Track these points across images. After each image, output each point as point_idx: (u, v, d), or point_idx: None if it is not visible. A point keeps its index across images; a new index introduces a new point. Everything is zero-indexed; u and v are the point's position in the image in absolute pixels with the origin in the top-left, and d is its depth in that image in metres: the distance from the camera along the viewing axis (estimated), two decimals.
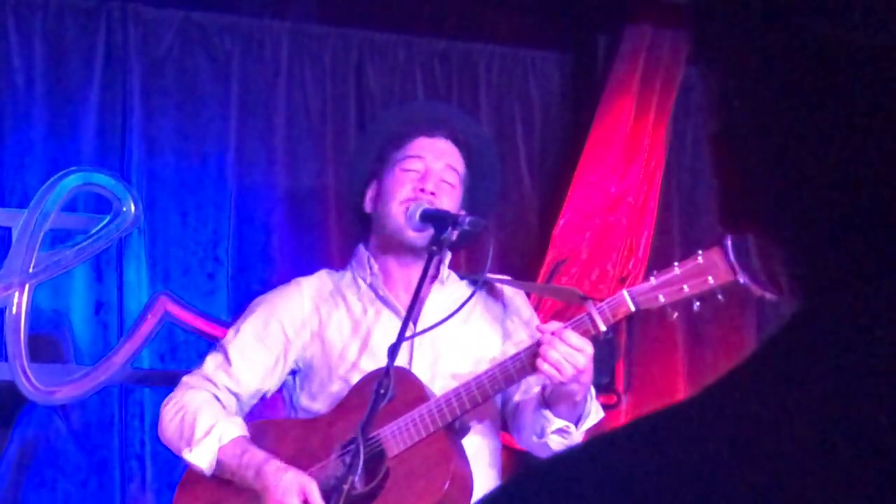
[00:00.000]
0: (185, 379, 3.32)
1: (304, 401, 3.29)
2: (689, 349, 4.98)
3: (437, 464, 3.14)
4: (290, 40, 4.76)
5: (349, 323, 3.26)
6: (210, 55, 4.67)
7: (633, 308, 3.13)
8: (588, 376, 3.10)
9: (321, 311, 3.27)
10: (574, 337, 3.06)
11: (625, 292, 3.16)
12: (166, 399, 3.30)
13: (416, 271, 3.25)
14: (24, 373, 4.17)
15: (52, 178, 4.26)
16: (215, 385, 3.22)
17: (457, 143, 3.30)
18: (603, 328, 3.12)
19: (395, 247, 3.27)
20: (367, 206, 3.34)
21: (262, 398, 3.36)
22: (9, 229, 4.25)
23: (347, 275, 3.37)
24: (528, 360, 3.10)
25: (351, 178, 3.44)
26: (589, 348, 3.07)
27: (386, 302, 3.26)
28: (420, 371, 3.19)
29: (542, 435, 3.22)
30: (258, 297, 3.43)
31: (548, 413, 3.18)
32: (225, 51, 4.68)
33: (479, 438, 3.26)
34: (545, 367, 3.04)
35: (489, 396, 3.15)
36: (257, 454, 3.13)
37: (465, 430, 3.22)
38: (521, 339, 3.33)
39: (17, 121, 4.43)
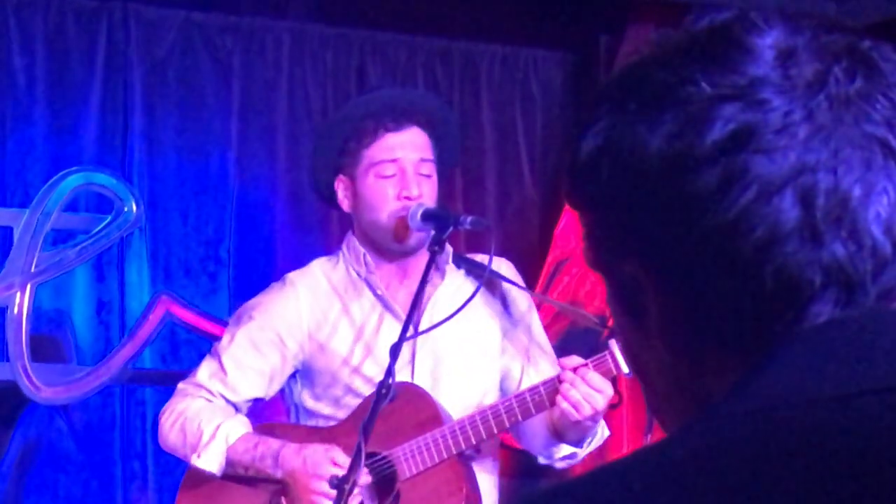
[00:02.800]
0: (180, 386, 3.26)
1: (308, 401, 3.26)
2: None
3: (450, 493, 3.15)
4: (292, 40, 4.76)
5: (348, 324, 3.23)
6: (211, 55, 4.67)
7: None
8: (602, 413, 3.11)
9: (319, 312, 3.22)
10: (597, 378, 3.06)
11: None
12: (164, 408, 3.25)
13: (411, 266, 3.26)
14: (26, 373, 4.17)
15: (53, 178, 4.26)
16: (210, 393, 3.19)
17: (423, 127, 3.25)
18: (626, 371, 3.11)
19: (386, 251, 3.25)
20: (343, 204, 3.26)
21: (260, 400, 3.33)
22: (10, 229, 4.26)
23: (341, 265, 3.29)
24: (548, 395, 3.10)
25: (315, 171, 3.30)
26: (609, 390, 3.08)
27: (384, 301, 3.24)
28: (422, 371, 3.19)
29: (549, 457, 3.28)
30: (252, 299, 3.34)
31: (560, 443, 3.22)
32: (226, 51, 4.68)
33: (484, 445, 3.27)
34: (564, 405, 3.05)
35: (505, 428, 3.14)
36: (272, 443, 3.12)
37: (474, 452, 3.23)
38: (519, 335, 3.33)
39: (19, 121, 4.43)
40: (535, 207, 5.07)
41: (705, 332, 0.94)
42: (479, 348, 3.27)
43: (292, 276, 3.30)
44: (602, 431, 3.25)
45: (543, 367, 3.35)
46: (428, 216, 3.17)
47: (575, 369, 3.09)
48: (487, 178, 5.01)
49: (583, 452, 3.25)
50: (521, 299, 3.38)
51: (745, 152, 0.90)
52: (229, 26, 4.70)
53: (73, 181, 4.26)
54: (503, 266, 3.37)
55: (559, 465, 3.30)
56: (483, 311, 3.28)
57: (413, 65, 4.91)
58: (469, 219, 3.18)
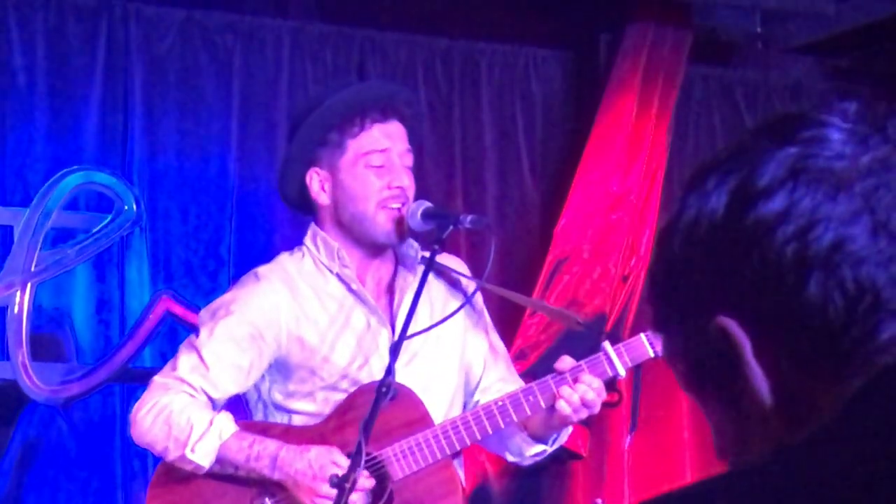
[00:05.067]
0: (157, 380, 3.19)
1: (279, 397, 3.23)
2: None
3: (446, 494, 3.16)
4: (292, 39, 4.76)
5: (325, 319, 3.21)
6: (211, 54, 4.67)
7: (652, 354, 3.14)
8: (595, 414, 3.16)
9: (295, 307, 3.20)
10: (596, 382, 3.11)
11: (643, 337, 3.15)
12: (139, 402, 3.18)
13: (380, 258, 3.26)
14: (26, 371, 4.17)
15: (53, 177, 4.27)
16: (192, 387, 3.15)
17: (401, 120, 3.25)
18: (623, 374, 3.14)
19: (367, 245, 3.24)
20: (318, 197, 3.22)
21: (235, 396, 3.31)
22: (10, 228, 4.26)
23: (307, 260, 3.26)
24: (544, 396, 3.12)
25: (287, 164, 3.27)
26: (605, 394, 3.13)
27: (359, 296, 3.23)
28: (398, 369, 3.18)
29: (519, 456, 3.30)
30: (227, 293, 3.31)
31: (533, 442, 3.25)
32: (226, 49, 4.68)
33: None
34: (566, 410, 3.10)
35: (499, 428, 3.15)
36: (269, 444, 3.10)
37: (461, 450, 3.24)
38: (479, 330, 3.35)
39: (19, 120, 4.43)
40: (535, 206, 5.07)
41: (805, 358, 0.96)
42: (448, 345, 3.28)
43: (264, 270, 3.26)
44: (567, 430, 3.29)
45: (500, 363, 3.38)
46: (428, 215, 3.17)
47: (570, 370, 3.10)
48: (487, 177, 5.01)
49: (551, 449, 3.29)
50: (478, 295, 3.39)
51: (805, 184, 0.95)
52: (230, 25, 4.70)
53: (73, 180, 4.26)
54: (455, 262, 3.38)
55: (528, 462, 3.32)
56: (452, 304, 3.29)
57: (413, 63, 4.91)
58: (469, 218, 3.19)
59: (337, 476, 2.92)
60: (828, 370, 0.95)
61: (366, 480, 3.06)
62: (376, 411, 2.92)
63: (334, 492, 2.93)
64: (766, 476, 0.89)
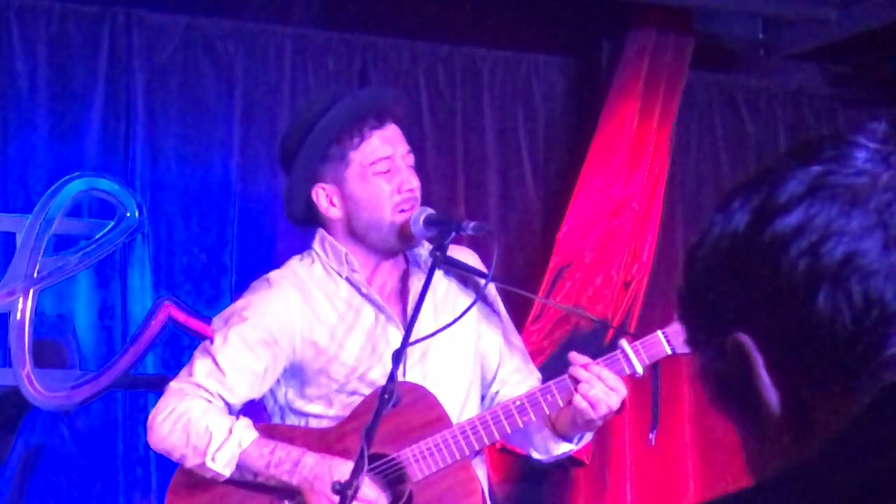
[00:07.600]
0: (173, 385, 3.22)
1: (297, 401, 3.24)
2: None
3: (467, 494, 3.16)
4: (294, 45, 4.77)
5: (339, 323, 3.22)
6: (214, 61, 4.67)
7: (669, 351, 3.13)
8: (615, 412, 3.14)
9: (308, 311, 3.22)
10: (613, 378, 3.09)
11: (659, 333, 3.13)
12: (156, 408, 3.21)
13: (389, 262, 3.27)
14: (29, 378, 4.17)
15: (56, 184, 4.26)
16: (208, 392, 3.16)
17: (396, 121, 3.26)
18: (640, 371, 3.13)
19: (381, 250, 3.24)
20: (328, 212, 3.22)
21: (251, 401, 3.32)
22: (13, 234, 4.26)
23: (317, 266, 3.27)
24: (561, 393, 3.11)
25: (293, 181, 3.27)
26: (624, 390, 3.12)
27: (370, 299, 3.24)
28: (412, 367, 3.19)
29: (546, 454, 3.30)
30: (240, 299, 3.31)
31: (560, 441, 3.25)
32: (228, 56, 4.69)
33: None
34: (583, 404, 3.08)
35: (517, 427, 3.15)
36: (292, 450, 3.12)
37: (480, 450, 3.24)
38: (494, 321, 3.35)
39: (22, 126, 4.43)
40: (537, 213, 5.07)
41: (814, 371, 0.97)
42: (462, 339, 3.28)
43: (276, 276, 3.28)
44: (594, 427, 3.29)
45: (516, 353, 3.38)
46: (430, 221, 3.17)
47: (587, 367, 3.10)
48: (489, 183, 5.01)
49: (576, 448, 3.29)
50: (490, 286, 3.39)
51: (822, 200, 0.96)
52: (232, 32, 4.70)
53: (75, 187, 4.26)
54: (468, 255, 3.37)
55: (552, 459, 3.33)
56: (462, 301, 3.28)
57: (415, 70, 4.91)
58: (471, 224, 3.19)
59: (339, 483, 2.92)
60: (835, 384, 0.96)
61: (369, 490, 3.06)
62: (378, 418, 2.92)
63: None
64: (776, 495, 0.90)
